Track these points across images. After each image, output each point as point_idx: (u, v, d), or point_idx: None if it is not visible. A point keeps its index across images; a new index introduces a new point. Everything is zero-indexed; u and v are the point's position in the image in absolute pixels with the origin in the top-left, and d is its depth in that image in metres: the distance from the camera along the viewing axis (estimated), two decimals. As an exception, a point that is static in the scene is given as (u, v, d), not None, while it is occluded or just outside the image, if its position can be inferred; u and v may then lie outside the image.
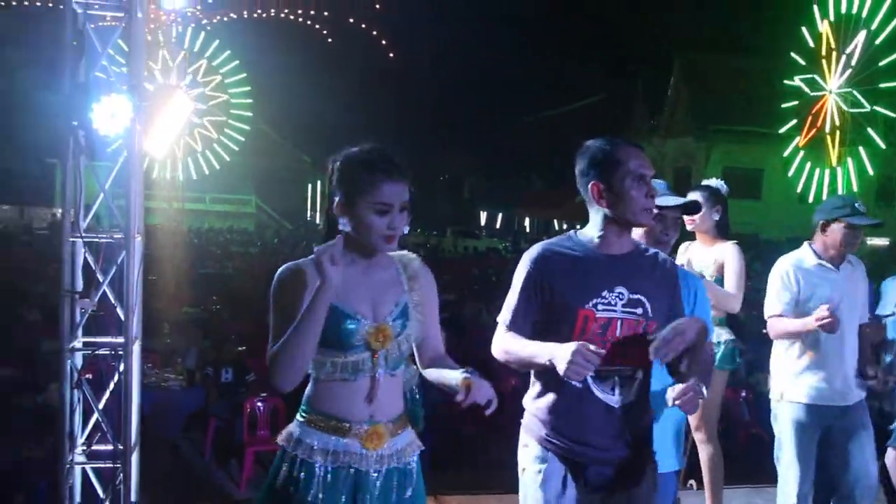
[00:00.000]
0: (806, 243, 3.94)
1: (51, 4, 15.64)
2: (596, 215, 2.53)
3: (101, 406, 4.18)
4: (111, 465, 4.17)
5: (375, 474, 2.24)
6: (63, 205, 4.08)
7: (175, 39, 16.28)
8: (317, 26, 17.68)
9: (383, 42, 17.25)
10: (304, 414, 2.28)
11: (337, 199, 2.24)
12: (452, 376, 2.24)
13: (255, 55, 20.74)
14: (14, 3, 16.27)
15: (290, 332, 2.12)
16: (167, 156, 15.62)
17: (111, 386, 4.20)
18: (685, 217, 4.38)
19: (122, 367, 4.12)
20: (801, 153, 20.98)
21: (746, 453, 6.84)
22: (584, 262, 2.49)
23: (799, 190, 21.24)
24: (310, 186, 44.30)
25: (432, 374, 2.36)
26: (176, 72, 15.43)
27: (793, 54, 20.17)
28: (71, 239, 4.05)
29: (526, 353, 2.48)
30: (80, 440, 4.23)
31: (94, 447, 4.25)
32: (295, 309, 2.15)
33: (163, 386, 7.19)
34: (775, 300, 3.87)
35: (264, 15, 16.93)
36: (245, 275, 16.86)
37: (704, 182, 4.54)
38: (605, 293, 2.45)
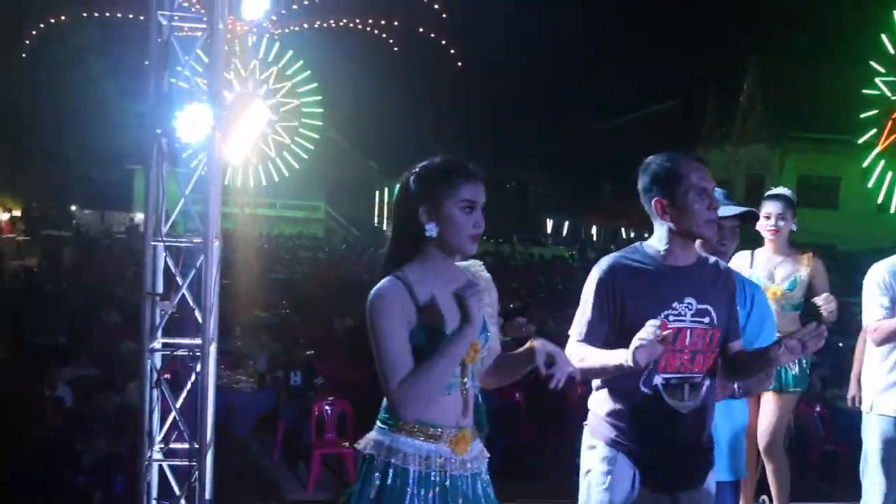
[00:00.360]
0: None
1: (131, 16, 16.19)
2: (661, 229, 2.60)
3: (177, 405, 4.30)
4: (187, 464, 4.28)
5: (463, 478, 2.30)
6: (145, 210, 4.22)
7: (250, 49, 16.68)
8: (383, 35, 17.87)
9: (451, 51, 17.30)
10: (389, 422, 2.30)
11: (422, 206, 2.28)
12: (520, 352, 2.32)
13: (325, 64, 21.08)
14: (96, 15, 16.89)
15: (428, 367, 2.17)
16: (243, 162, 15.98)
17: (188, 386, 4.32)
18: (766, 227, 4.31)
19: (199, 368, 4.23)
20: (882, 162, 20.23)
21: (820, 469, 6.66)
22: (653, 275, 2.57)
23: (880, 200, 20.49)
24: (377, 193, 44.72)
25: (500, 369, 2.44)
26: (253, 81, 15.82)
27: (872, 63, 19.50)
28: (153, 243, 4.18)
29: (599, 360, 2.53)
30: (158, 438, 4.36)
31: (171, 445, 4.37)
32: (403, 334, 2.20)
33: (234, 387, 7.37)
34: (874, 306, 3.75)
35: (335, 25, 17.18)
36: (314, 280, 17.14)
37: (778, 191, 4.45)
38: (675, 304, 2.54)
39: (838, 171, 27.42)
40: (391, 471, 2.25)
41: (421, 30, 16.78)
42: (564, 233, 43.37)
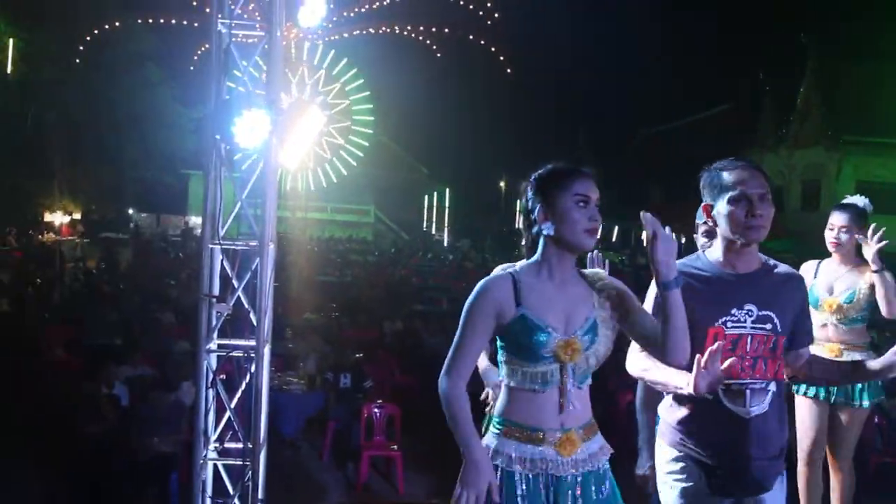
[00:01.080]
0: None
1: (185, 22, 16.53)
2: (718, 235, 2.65)
3: (232, 405, 4.38)
4: (241, 463, 4.35)
5: (572, 479, 2.34)
6: (203, 214, 4.31)
7: (305, 55, 16.91)
8: (431, 44, 17.95)
9: (501, 58, 17.34)
10: (498, 426, 2.39)
11: (538, 207, 2.38)
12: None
13: (377, 70, 21.28)
14: (150, 22, 17.27)
15: (458, 428, 2.31)
16: (296, 167, 16.21)
17: (243, 386, 4.39)
18: (829, 238, 4.21)
19: (253, 369, 4.30)
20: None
21: (878, 482, 6.48)
22: (713, 282, 2.60)
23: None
24: (426, 198, 44.88)
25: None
26: (308, 86, 16.04)
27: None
28: (210, 246, 4.26)
29: (660, 377, 2.59)
30: (213, 437, 4.44)
31: (226, 445, 4.45)
32: (482, 331, 2.35)
33: (285, 388, 7.45)
34: None
35: (387, 31, 17.31)
36: (363, 283, 17.26)
37: (848, 200, 4.35)
38: (734, 311, 2.55)
39: (901, 177, 26.68)
40: (498, 473, 2.33)
41: (471, 37, 16.84)
42: (614, 238, 42.95)
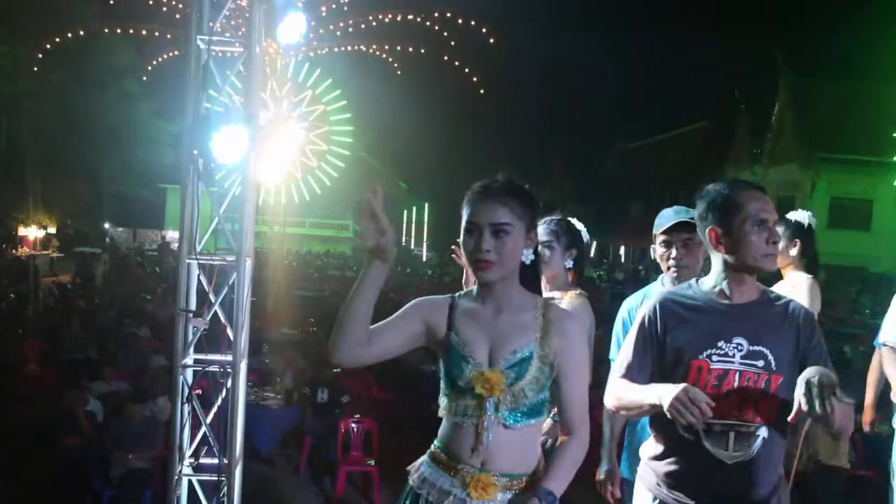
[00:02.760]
0: None
1: (169, 36, 16.50)
2: (716, 261, 2.44)
3: (208, 421, 4.36)
4: (216, 478, 4.33)
5: None
6: (180, 228, 4.31)
7: (283, 71, 16.93)
8: (395, 64, 18.15)
9: (475, 79, 17.49)
10: (434, 447, 2.25)
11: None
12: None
13: (355, 85, 21.35)
14: (132, 31, 17.22)
15: (347, 299, 2.14)
16: (274, 182, 16.22)
17: (219, 401, 4.38)
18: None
19: (229, 384, 4.29)
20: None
21: (851, 496, 6.55)
22: (702, 312, 2.41)
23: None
24: (405, 212, 44.92)
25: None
26: (286, 102, 16.06)
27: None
28: (187, 261, 4.26)
29: (636, 395, 2.37)
30: (189, 453, 4.42)
31: (201, 460, 4.43)
32: (403, 319, 2.23)
33: (261, 404, 7.42)
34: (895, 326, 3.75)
35: (365, 50, 17.45)
36: (341, 298, 17.17)
37: (790, 215, 4.23)
38: (720, 343, 2.34)
39: (871, 193, 27.11)
40: (409, 492, 2.23)
41: (445, 58, 17.01)
42: (592, 253, 43.20)
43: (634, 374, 2.44)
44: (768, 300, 2.45)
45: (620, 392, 2.45)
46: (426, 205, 44.96)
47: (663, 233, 3.20)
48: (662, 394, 2.21)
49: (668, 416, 2.17)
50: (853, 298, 19.72)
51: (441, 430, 2.24)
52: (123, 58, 26.96)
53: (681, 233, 3.15)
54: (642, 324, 2.46)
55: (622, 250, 41.70)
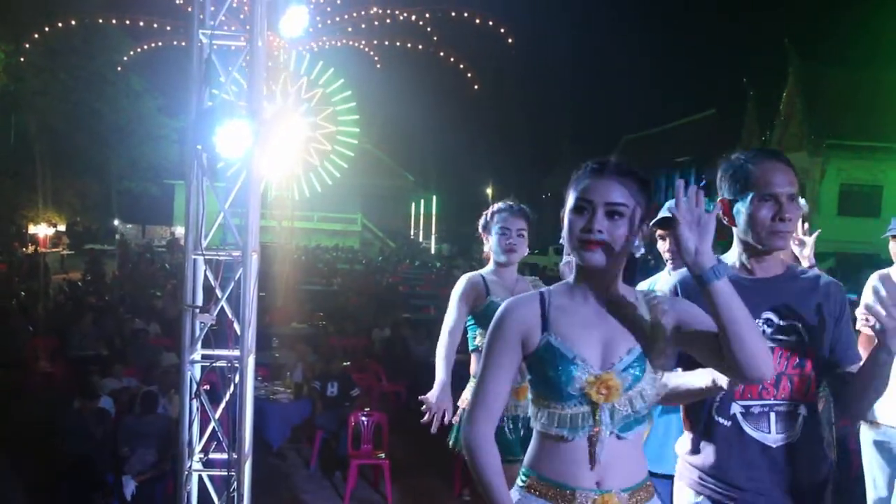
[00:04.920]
0: None
1: (169, 28, 16.48)
2: (734, 236, 2.29)
3: (216, 416, 4.36)
4: (226, 474, 4.33)
5: None
6: (185, 224, 4.30)
7: (288, 64, 16.92)
8: (375, 57, 18.17)
9: (468, 75, 17.52)
10: (524, 478, 1.96)
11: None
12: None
13: (361, 78, 21.32)
14: (138, 28, 17.25)
15: (483, 481, 1.88)
16: (281, 176, 16.22)
17: (227, 397, 4.38)
18: None
19: (237, 379, 4.28)
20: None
21: None
22: None
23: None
24: (413, 205, 44.91)
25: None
26: (292, 96, 16.05)
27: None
28: (193, 256, 4.25)
29: (682, 380, 2.18)
30: (198, 449, 4.42)
31: (211, 456, 4.43)
32: (504, 354, 1.92)
33: (272, 398, 7.43)
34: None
35: (366, 46, 17.44)
36: (350, 292, 17.24)
37: None
38: None
39: (880, 179, 26.95)
40: None
41: (441, 54, 17.00)
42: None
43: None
44: (794, 274, 2.30)
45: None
46: (434, 197, 44.92)
47: (655, 225, 3.23)
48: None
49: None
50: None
51: (533, 452, 1.95)
52: (128, 54, 27.02)
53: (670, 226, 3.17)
54: None
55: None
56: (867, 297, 3.08)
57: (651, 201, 1.94)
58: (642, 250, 1.92)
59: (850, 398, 2.21)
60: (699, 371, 2.13)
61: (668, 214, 3.12)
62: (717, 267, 1.81)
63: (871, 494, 3.83)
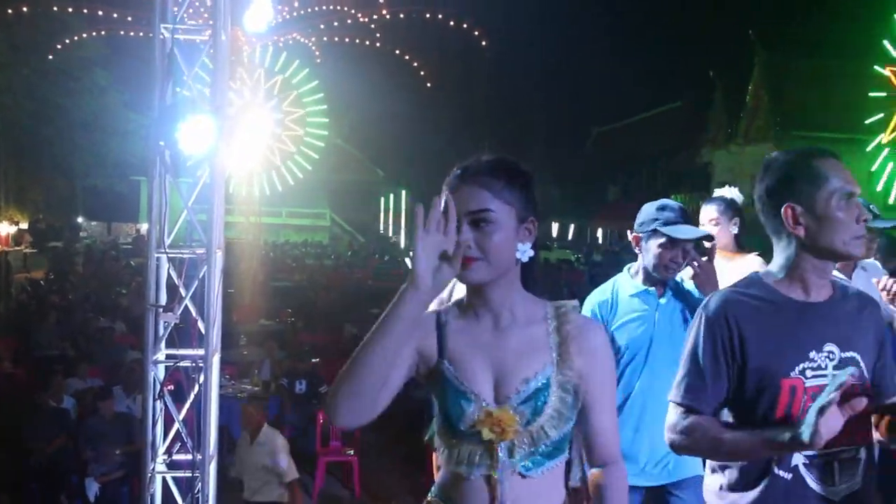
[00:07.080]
0: None
1: (130, 19, 16.23)
2: (787, 248, 1.95)
3: (181, 417, 4.30)
4: (190, 475, 4.27)
5: None
6: (149, 221, 4.22)
7: (254, 58, 16.77)
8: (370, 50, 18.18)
9: (422, 72, 17.59)
10: (430, 495, 1.77)
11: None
12: None
13: (330, 72, 21.19)
14: (102, 28, 16.99)
15: (364, 341, 1.65)
16: (248, 172, 16.06)
17: (191, 397, 4.31)
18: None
19: (202, 379, 4.22)
20: (890, 165, 20.29)
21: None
22: (780, 315, 1.91)
23: (879, 188, 20.57)
24: (382, 200, 44.79)
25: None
26: (257, 91, 15.91)
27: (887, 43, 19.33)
28: (156, 254, 4.18)
29: (733, 443, 1.87)
30: (162, 450, 4.35)
31: (175, 457, 4.36)
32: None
33: (239, 396, 7.35)
34: None
35: (336, 40, 17.35)
36: (319, 287, 17.14)
37: (718, 192, 4.12)
38: (812, 354, 1.88)
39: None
40: None
41: (397, 52, 17.04)
42: (570, 236, 43.35)
43: (704, 402, 1.94)
44: (844, 293, 2.00)
45: (699, 432, 1.91)
46: (404, 192, 44.85)
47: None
48: (787, 434, 1.73)
49: (819, 439, 1.68)
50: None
51: (440, 481, 1.75)
52: (93, 49, 26.55)
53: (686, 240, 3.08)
54: (708, 332, 1.93)
55: (599, 232, 41.83)
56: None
57: (531, 194, 1.73)
58: (531, 254, 1.70)
59: None
60: (762, 430, 1.83)
61: (693, 237, 3.05)
62: None
63: None
